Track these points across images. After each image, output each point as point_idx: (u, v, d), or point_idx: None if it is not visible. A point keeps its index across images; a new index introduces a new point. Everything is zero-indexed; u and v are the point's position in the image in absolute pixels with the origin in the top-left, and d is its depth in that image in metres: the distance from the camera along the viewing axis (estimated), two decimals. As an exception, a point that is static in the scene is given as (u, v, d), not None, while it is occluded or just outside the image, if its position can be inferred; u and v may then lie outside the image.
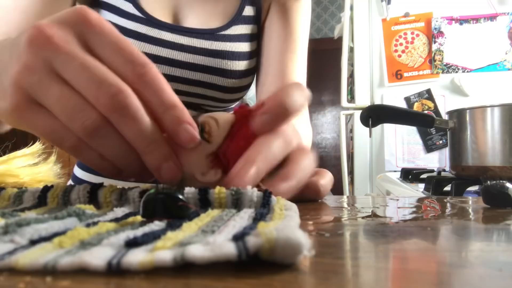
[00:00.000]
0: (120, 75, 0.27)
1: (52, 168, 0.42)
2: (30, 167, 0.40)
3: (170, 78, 0.60)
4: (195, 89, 0.63)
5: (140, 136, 0.27)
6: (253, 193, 0.24)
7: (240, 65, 0.65)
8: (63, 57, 0.26)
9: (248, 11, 0.68)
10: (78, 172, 0.70)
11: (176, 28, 0.62)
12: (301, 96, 0.31)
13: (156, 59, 0.59)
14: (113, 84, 0.26)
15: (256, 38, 0.69)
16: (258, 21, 0.70)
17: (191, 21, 0.65)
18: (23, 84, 0.27)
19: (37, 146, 0.42)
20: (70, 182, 0.72)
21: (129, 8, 0.60)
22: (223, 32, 0.64)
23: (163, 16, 0.63)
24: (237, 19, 0.67)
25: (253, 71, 0.69)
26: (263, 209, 0.22)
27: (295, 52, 0.69)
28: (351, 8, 1.95)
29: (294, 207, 0.23)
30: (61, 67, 0.26)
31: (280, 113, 0.30)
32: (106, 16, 0.60)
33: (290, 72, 0.68)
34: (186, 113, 0.28)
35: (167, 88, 0.28)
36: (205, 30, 0.64)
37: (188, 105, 0.58)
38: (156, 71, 0.28)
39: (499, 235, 0.22)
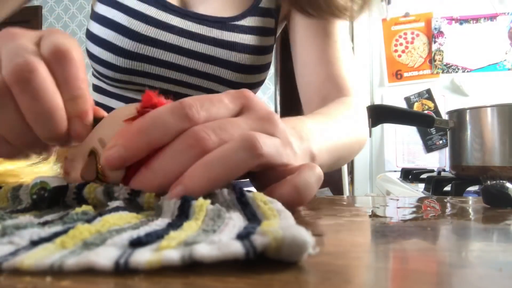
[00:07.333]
0: (42, 54, 0.27)
1: (52, 168, 0.42)
2: (30, 167, 0.40)
3: (173, 66, 0.57)
4: (199, 81, 0.58)
5: (34, 112, 0.26)
6: (223, 192, 0.23)
7: (251, 59, 0.59)
8: None
9: (266, 2, 0.62)
10: None
11: (186, 13, 0.57)
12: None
13: (162, 45, 0.55)
14: (24, 56, 0.26)
15: (273, 33, 0.63)
16: (276, 14, 0.63)
17: (203, 7, 0.60)
18: None
19: (37, 146, 0.42)
20: None
21: None
22: (236, 22, 0.59)
23: None
24: (253, 9, 0.60)
25: (266, 68, 0.63)
26: (247, 208, 0.21)
27: (336, 40, 0.60)
28: (351, 8, 1.95)
29: (275, 201, 0.22)
30: None
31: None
32: None
33: (334, 58, 0.59)
34: (87, 105, 0.28)
35: (81, 75, 0.28)
36: (217, 18, 0.58)
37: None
38: (76, 57, 0.27)
39: (499, 235, 0.22)
